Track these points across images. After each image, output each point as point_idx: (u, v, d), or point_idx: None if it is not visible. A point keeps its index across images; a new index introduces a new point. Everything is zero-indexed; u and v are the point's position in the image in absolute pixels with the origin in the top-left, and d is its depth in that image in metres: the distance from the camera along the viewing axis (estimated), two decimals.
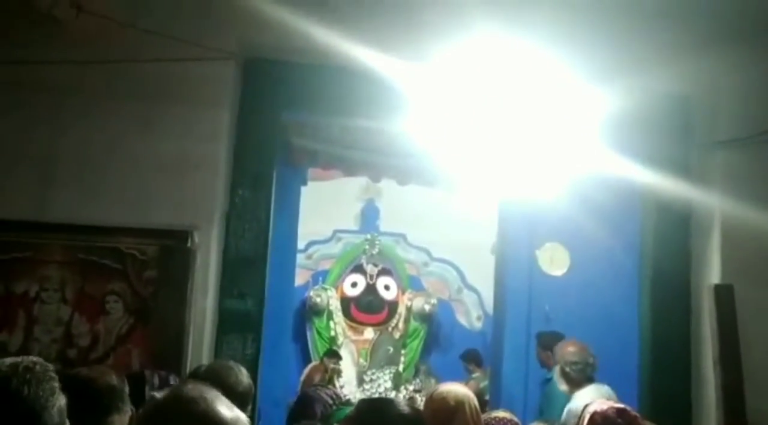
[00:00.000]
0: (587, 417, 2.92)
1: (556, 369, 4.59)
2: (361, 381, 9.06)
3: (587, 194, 5.16)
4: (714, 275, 4.27)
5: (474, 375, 7.78)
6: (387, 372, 9.12)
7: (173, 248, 3.94)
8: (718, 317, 4.06)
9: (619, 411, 2.88)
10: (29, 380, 1.54)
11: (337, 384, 7.92)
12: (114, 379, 2.52)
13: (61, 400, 1.58)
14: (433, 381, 8.44)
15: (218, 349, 4.05)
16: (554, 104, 4.39)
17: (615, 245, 5.40)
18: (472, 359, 8.12)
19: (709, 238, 4.37)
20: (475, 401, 3.18)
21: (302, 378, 7.96)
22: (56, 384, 1.59)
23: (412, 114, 4.38)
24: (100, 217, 3.96)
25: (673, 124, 4.57)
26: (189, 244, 3.94)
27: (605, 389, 4.31)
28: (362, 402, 2.66)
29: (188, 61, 3.94)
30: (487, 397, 6.56)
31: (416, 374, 9.14)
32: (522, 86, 4.33)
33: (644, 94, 4.35)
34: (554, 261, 6.35)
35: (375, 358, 9.23)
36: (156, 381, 3.00)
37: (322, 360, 8.39)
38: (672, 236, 4.57)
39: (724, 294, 4.07)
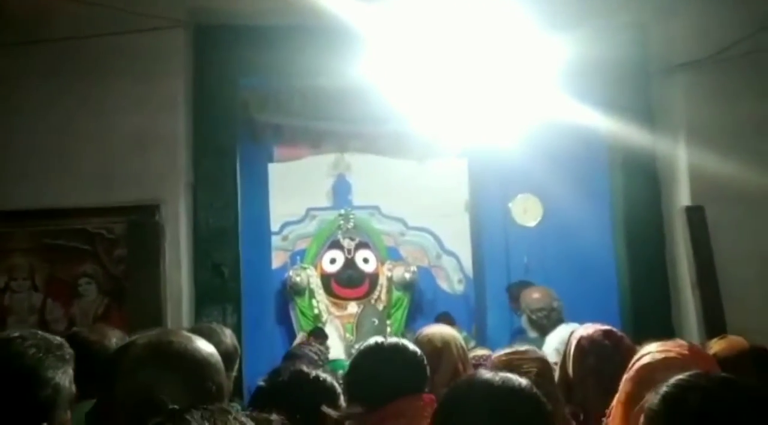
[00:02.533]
0: (574, 342, 2.88)
1: (523, 318, 4.55)
2: (349, 356, 9.04)
3: (552, 139, 5.15)
4: (684, 200, 4.29)
5: None
6: None
7: (141, 224, 3.87)
8: (692, 239, 4.08)
9: (605, 332, 2.81)
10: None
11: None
12: (113, 343, 2.47)
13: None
14: None
15: (198, 322, 3.98)
16: (515, 55, 4.37)
17: (584, 186, 5.40)
18: (443, 321, 8.13)
19: (675, 164, 4.39)
20: (460, 340, 3.15)
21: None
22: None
23: (369, 70, 4.33)
24: (63, 199, 3.89)
25: (631, 56, 4.56)
26: (156, 218, 3.88)
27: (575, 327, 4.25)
28: (359, 351, 2.58)
29: (137, 33, 3.86)
30: None
31: None
32: (482, 37, 4.29)
33: (602, 32, 4.33)
34: (527, 212, 6.35)
35: (361, 331, 9.17)
36: None
37: (308, 338, 8.35)
38: (639, 167, 4.56)
39: (695, 215, 4.09)
